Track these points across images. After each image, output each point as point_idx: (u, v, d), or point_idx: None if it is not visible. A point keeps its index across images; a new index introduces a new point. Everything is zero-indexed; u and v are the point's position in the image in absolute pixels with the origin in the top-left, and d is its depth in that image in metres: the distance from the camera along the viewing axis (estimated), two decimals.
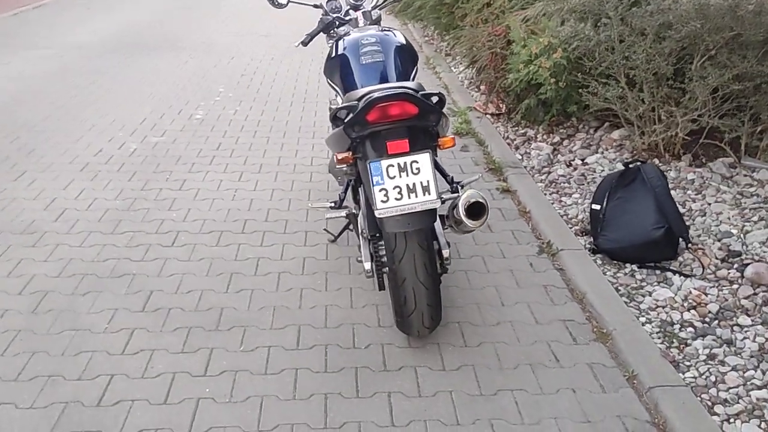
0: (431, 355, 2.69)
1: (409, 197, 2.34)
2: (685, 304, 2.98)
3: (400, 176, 2.33)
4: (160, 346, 2.75)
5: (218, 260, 3.41)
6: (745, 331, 2.78)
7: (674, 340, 2.76)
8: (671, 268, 3.22)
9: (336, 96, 3.36)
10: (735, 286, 3.06)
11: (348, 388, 2.51)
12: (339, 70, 3.12)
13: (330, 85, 3.33)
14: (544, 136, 5.01)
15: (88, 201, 4.06)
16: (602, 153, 4.55)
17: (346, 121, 2.36)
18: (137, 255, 3.45)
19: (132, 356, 2.69)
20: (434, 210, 2.40)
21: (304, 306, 3.03)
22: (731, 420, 2.35)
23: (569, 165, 4.51)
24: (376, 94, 2.32)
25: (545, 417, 2.38)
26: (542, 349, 2.74)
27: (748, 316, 2.86)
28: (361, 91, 2.48)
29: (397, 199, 2.33)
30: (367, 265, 2.71)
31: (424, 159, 2.33)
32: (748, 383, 2.50)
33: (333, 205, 3.08)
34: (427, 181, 2.34)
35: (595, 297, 3.04)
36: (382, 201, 2.33)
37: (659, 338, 2.79)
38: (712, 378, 2.55)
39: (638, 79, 3.91)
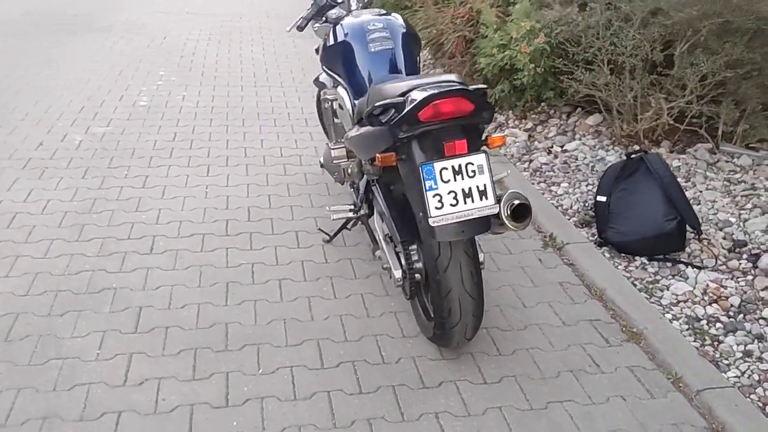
0: (468, 368, 2.52)
1: (465, 203, 2.13)
2: (706, 298, 2.94)
3: (455, 180, 2.12)
4: (166, 374, 2.44)
5: (207, 268, 3.10)
6: None
7: (706, 337, 2.71)
8: (683, 260, 3.17)
9: (335, 86, 3.10)
10: (750, 278, 3.04)
11: (391, 411, 2.31)
12: (342, 58, 2.88)
13: (330, 74, 3.08)
14: (516, 122, 4.90)
15: (40, 203, 3.62)
16: (580, 139, 4.48)
17: (394, 119, 2.11)
18: (113, 265, 3.09)
19: (137, 387, 2.38)
20: (489, 216, 2.21)
21: (316, 317, 2.78)
22: None
23: (549, 152, 4.42)
24: (429, 90, 2.09)
25: (601, 430, 2.26)
26: (578, 354, 2.62)
27: None
28: (399, 85, 2.24)
29: (452, 205, 2.12)
30: (398, 274, 2.50)
31: (480, 160, 2.13)
32: None
33: (352, 209, 2.84)
34: (484, 185, 2.14)
35: (615, 293, 2.95)
36: (437, 207, 2.12)
37: (690, 335, 2.73)
38: (755, 377, 2.50)
39: (626, 66, 3.83)
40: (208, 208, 3.65)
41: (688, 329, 2.77)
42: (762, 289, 2.95)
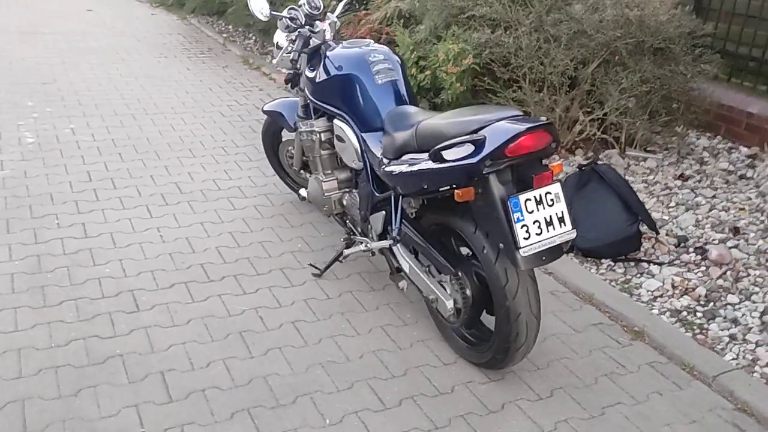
0: (518, 386, 2.64)
1: (548, 231, 2.24)
2: (677, 291, 3.29)
3: (537, 210, 2.22)
4: None
5: (211, 320, 2.92)
6: (739, 309, 3.15)
7: (694, 327, 3.04)
8: (643, 258, 3.52)
9: (327, 119, 3.05)
10: (703, 268, 3.44)
11: None
12: (345, 91, 2.86)
13: (323, 107, 3.01)
14: None
15: None
16: None
17: (478, 154, 2.15)
18: (104, 330, 2.81)
19: None
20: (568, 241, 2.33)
21: (351, 357, 2.74)
22: None
23: None
24: (511, 125, 2.16)
25: (659, 426, 2.47)
26: (602, 357, 2.83)
27: (732, 294, 3.25)
28: (465, 121, 2.28)
29: (537, 234, 2.22)
30: (450, 304, 2.56)
31: (556, 189, 2.25)
32: None
33: (367, 247, 2.84)
34: (562, 212, 2.27)
35: (603, 297, 3.21)
36: (525, 238, 2.20)
37: (680, 327, 3.04)
38: (749, 356, 2.86)
39: (556, 83, 4.15)
40: (173, 253, 3.40)
41: (676, 322, 3.08)
42: (717, 278, 3.37)
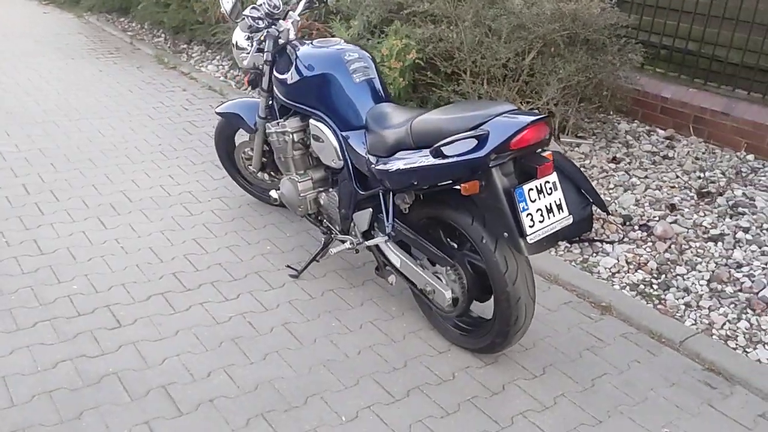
0: (513, 367, 2.77)
1: (549, 217, 2.37)
2: (632, 267, 3.54)
3: (539, 198, 2.35)
4: None
5: (199, 329, 2.88)
6: (688, 278, 3.44)
7: (653, 298, 3.29)
8: (596, 238, 3.76)
9: (300, 119, 3.06)
10: (650, 244, 3.72)
11: (484, 424, 2.47)
12: (321, 91, 2.88)
13: (297, 107, 3.02)
14: None
15: None
16: None
17: (482, 149, 2.24)
18: (90, 348, 2.73)
19: None
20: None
21: (350, 354, 2.80)
22: (748, 349, 2.94)
23: None
24: (513, 119, 2.26)
25: (644, 391, 2.67)
26: (581, 333, 3.01)
27: (679, 265, 3.54)
28: (464, 117, 2.36)
29: (540, 221, 2.35)
30: (449, 294, 2.67)
31: (553, 178, 2.38)
32: (728, 318, 3.13)
33: (354, 243, 2.88)
34: (559, 199, 2.40)
35: (568, 277, 3.41)
36: (530, 226, 2.32)
37: (641, 299, 3.29)
38: (705, 321, 3.13)
39: (498, 75, 4.32)
40: (140, 264, 3.31)
41: (636, 295, 3.32)
42: (664, 252, 3.65)
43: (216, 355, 2.71)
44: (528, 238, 2.32)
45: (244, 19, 3.20)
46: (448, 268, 2.63)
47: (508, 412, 2.52)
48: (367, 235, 2.98)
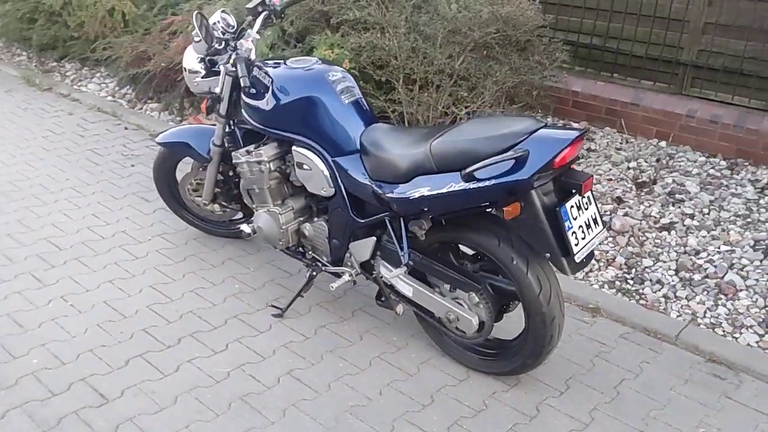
0: (537, 386, 2.71)
1: (588, 233, 2.31)
2: (602, 264, 3.60)
3: (579, 215, 2.29)
4: None
5: (200, 391, 2.58)
6: (656, 270, 3.55)
7: (633, 294, 3.37)
8: None
9: (284, 147, 2.83)
10: (611, 239, 3.81)
11: None
12: (309, 116, 2.67)
13: (281, 136, 2.78)
14: None
15: None
16: None
17: (533, 169, 2.14)
18: (72, 427, 2.33)
19: None
20: None
21: (372, 396, 2.62)
22: (735, 334, 3.07)
23: None
24: (561, 137, 2.18)
25: (665, 391, 2.71)
26: (583, 340, 3.01)
27: (644, 258, 3.65)
28: (499, 137, 2.24)
29: (582, 239, 2.29)
30: (476, 321, 2.55)
31: (588, 193, 2.32)
32: (707, 306, 3.26)
33: (352, 275, 2.76)
34: (595, 213, 2.35)
35: None
36: (575, 244, 2.25)
37: (623, 296, 3.35)
38: (688, 311, 3.25)
39: (436, 81, 4.26)
40: (101, 323, 2.92)
41: (617, 292, 3.38)
42: (626, 245, 3.75)
43: (230, 419, 2.43)
44: (575, 257, 2.25)
45: (201, 40, 2.88)
46: (475, 293, 2.51)
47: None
48: (366, 265, 2.79)
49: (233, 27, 3.00)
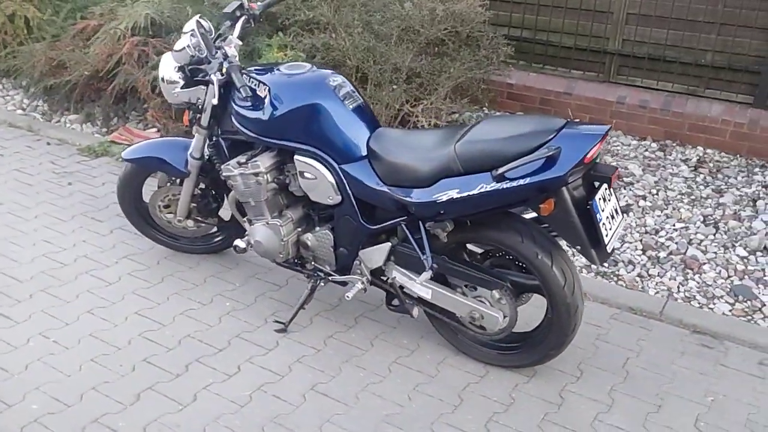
0: (561, 376, 2.78)
1: (613, 223, 2.39)
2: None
3: (605, 206, 2.36)
4: None
5: (228, 418, 2.46)
6: (625, 251, 3.73)
7: (611, 276, 3.53)
8: None
9: (281, 156, 2.74)
10: None
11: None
12: (313, 124, 2.62)
13: (281, 146, 2.70)
14: None
15: None
16: None
17: (568, 166, 2.18)
18: None
19: None
20: None
21: (400, 401, 2.60)
22: (710, 306, 3.29)
23: None
24: (591, 134, 2.23)
25: (668, 365, 2.87)
26: (582, 326, 3.11)
27: None
28: (527, 135, 2.28)
29: (610, 229, 2.36)
30: (501, 317, 2.57)
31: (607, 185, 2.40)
32: (678, 282, 3.47)
33: (364, 284, 2.73)
34: (615, 203, 2.43)
35: None
36: (606, 235, 2.33)
37: (602, 279, 3.49)
38: (663, 287, 3.43)
39: (393, 79, 4.26)
40: (95, 358, 2.75)
41: (595, 276, 3.53)
42: None
43: None
44: (607, 247, 2.33)
45: (183, 49, 2.73)
46: (500, 290, 2.54)
47: (584, 421, 2.53)
48: (376, 271, 2.76)
49: (211, 32, 2.86)
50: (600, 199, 2.34)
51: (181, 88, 2.87)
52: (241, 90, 2.55)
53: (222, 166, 2.87)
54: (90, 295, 3.12)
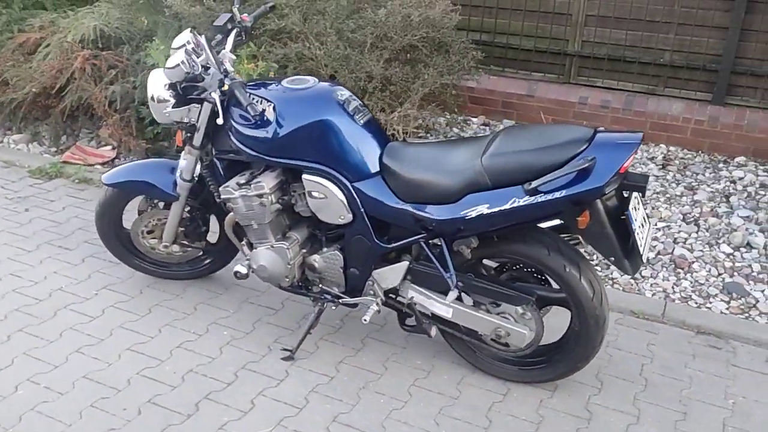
0: (582, 388, 2.74)
1: (643, 231, 2.36)
2: None
3: (637, 215, 2.32)
4: None
5: None
6: None
7: (606, 280, 3.53)
8: None
9: (285, 176, 2.60)
10: None
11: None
12: (323, 141, 2.50)
13: (288, 165, 2.55)
14: None
15: None
16: None
17: (608, 177, 2.13)
18: None
19: None
20: None
21: (445, 425, 2.48)
22: (708, 305, 3.33)
23: None
24: (626, 143, 2.18)
25: (681, 367, 2.87)
26: None
27: None
28: (558, 147, 2.21)
29: (642, 237, 2.33)
30: (528, 331, 2.51)
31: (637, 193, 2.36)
32: (672, 282, 3.50)
33: (379, 304, 2.62)
34: (643, 211, 2.40)
35: None
36: (641, 244, 2.29)
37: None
38: (659, 289, 3.46)
39: (368, 88, 4.16)
40: (96, 403, 2.53)
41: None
42: None
43: None
44: (643, 256, 2.29)
45: (178, 65, 2.54)
46: (528, 305, 2.47)
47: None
48: (391, 292, 2.65)
49: (201, 47, 2.68)
50: (633, 208, 2.30)
51: (173, 107, 2.67)
52: (248, 109, 2.38)
53: (220, 189, 2.69)
54: (74, 332, 2.88)
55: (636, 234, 2.28)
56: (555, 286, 2.54)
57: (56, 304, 3.07)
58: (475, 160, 2.32)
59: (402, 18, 4.05)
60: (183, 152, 2.82)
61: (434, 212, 2.38)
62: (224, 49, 2.71)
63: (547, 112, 5.36)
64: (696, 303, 3.32)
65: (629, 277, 3.46)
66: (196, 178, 2.86)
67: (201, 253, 3.22)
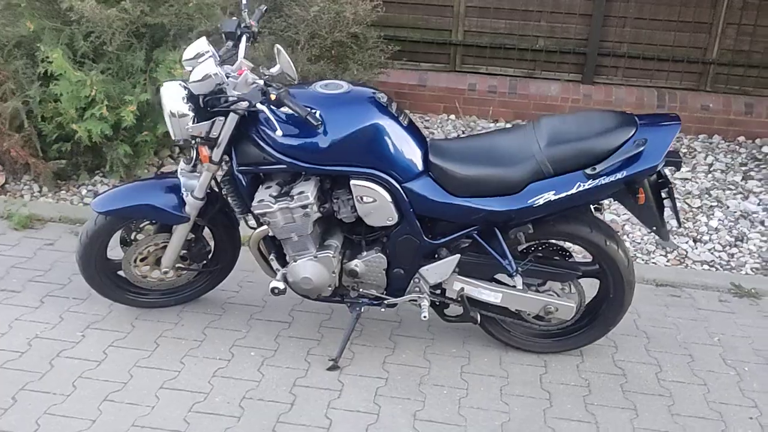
0: (610, 364, 3.02)
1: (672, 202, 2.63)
2: None
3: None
4: None
5: None
6: None
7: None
8: None
9: (322, 183, 2.55)
10: None
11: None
12: (375, 145, 2.53)
13: (338, 172, 2.53)
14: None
15: None
16: None
17: (661, 156, 2.36)
18: None
19: None
20: None
21: (512, 405, 2.62)
22: (652, 262, 3.78)
23: None
24: (673, 124, 2.42)
25: (702, 323, 3.27)
26: None
27: None
28: (612, 132, 2.41)
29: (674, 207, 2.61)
30: (575, 306, 2.71)
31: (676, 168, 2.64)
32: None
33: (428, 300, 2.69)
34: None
35: None
36: (677, 213, 2.58)
37: None
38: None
39: None
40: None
41: None
42: None
43: None
44: (678, 222, 2.58)
45: (210, 76, 2.36)
46: (573, 281, 2.67)
47: (664, 410, 2.69)
48: (436, 288, 2.72)
49: (217, 57, 2.51)
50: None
51: (193, 121, 2.47)
52: (309, 119, 2.29)
53: (254, 204, 2.55)
54: (88, 380, 2.58)
55: (676, 204, 2.56)
56: (578, 260, 2.78)
57: (45, 354, 2.70)
58: (532, 151, 2.46)
59: (335, 15, 4.02)
60: (196, 168, 2.63)
61: (496, 204, 2.48)
62: (237, 57, 2.56)
63: (439, 100, 5.62)
64: (643, 260, 3.75)
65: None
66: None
67: (197, 274, 3.00)
